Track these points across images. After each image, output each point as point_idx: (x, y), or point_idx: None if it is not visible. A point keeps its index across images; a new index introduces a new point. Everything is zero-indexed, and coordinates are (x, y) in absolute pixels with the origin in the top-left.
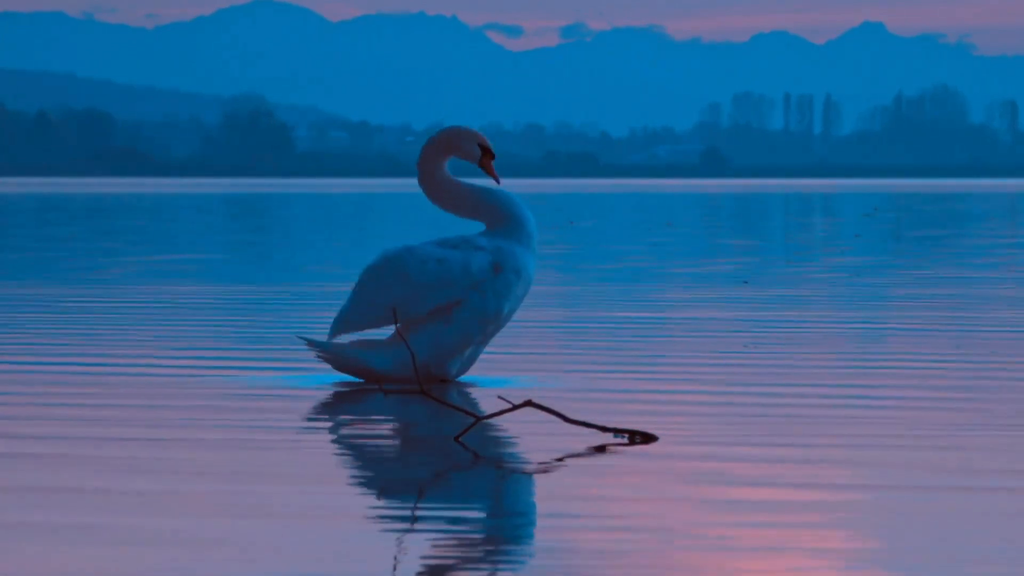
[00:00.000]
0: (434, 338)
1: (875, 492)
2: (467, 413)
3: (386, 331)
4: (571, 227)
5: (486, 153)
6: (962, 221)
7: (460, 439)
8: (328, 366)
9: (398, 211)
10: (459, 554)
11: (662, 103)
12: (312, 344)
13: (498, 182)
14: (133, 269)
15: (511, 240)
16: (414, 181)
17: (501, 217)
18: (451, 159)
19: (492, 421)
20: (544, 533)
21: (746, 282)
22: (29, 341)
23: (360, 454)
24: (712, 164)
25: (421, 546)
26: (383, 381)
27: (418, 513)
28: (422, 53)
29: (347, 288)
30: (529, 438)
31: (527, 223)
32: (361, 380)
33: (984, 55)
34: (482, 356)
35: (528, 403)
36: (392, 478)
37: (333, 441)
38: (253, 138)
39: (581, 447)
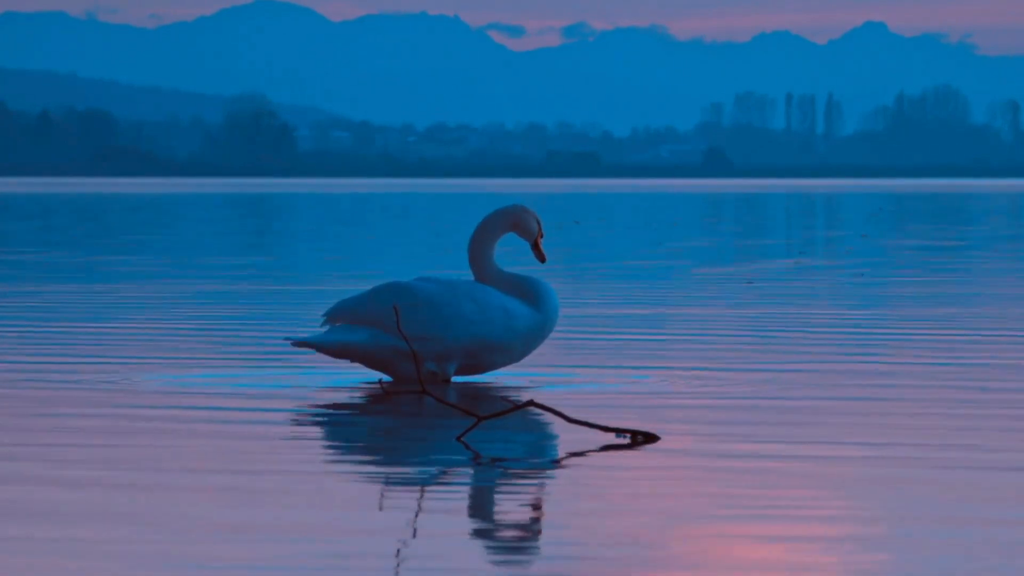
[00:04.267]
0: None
1: (878, 493)
2: (469, 413)
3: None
4: (576, 226)
5: (539, 232)
6: (966, 221)
7: (462, 439)
8: (323, 358)
9: (398, 211)
10: (461, 553)
11: (664, 103)
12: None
13: (543, 261)
14: (129, 269)
15: (527, 306)
16: (415, 181)
17: (534, 298)
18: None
19: (494, 421)
20: (546, 533)
21: (751, 282)
22: (15, 344)
23: (362, 454)
24: (714, 164)
25: (423, 545)
26: (356, 358)
27: (420, 512)
28: (424, 53)
29: (343, 287)
30: (531, 438)
31: (550, 306)
32: (358, 369)
33: (986, 55)
34: None
35: (530, 403)
36: (394, 478)
37: (334, 440)
38: (255, 138)
39: (583, 447)
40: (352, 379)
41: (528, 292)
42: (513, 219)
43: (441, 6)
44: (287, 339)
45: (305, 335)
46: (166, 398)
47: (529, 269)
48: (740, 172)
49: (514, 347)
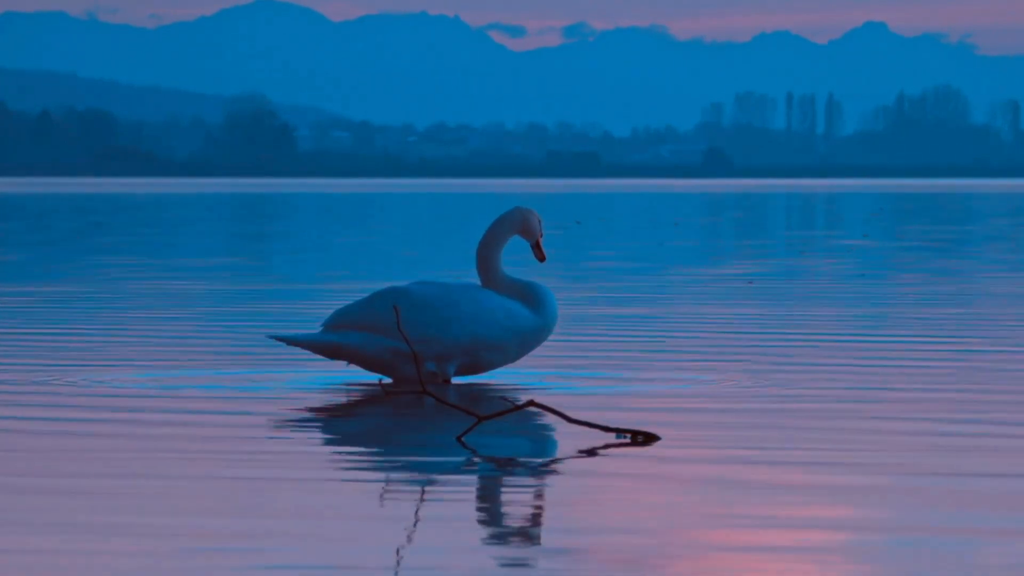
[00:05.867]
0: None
1: (878, 495)
2: (469, 413)
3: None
4: (576, 227)
5: (540, 232)
6: (966, 221)
7: (462, 439)
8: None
9: (398, 211)
10: (461, 554)
11: (664, 103)
12: (284, 340)
13: (543, 261)
14: (129, 270)
15: (526, 309)
16: (415, 181)
17: (534, 302)
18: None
19: (494, 421)
20: (546, 533)
21: (751, 282)
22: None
23: (362, 453)
24: (714, 164)
25: (423, 545)
26: (350, 359)
27: (420, 513)
28: (424, 53)
29: (342, 287)
30: (531, 438)
31: (549, 311)
32: (364, 372)
33: (986, 55)
34: None
35: (530, 403)
36: (394, 477)
37: (335, 440)
38: (256, 138)
39: (583, 447)
40: (351, 379)
41: (529, 296)
42: (519, 222)
43: (441, 6)
44: (281, 338)
45: (301, 334)
46: (158, 400)
47: (528, 269)
48: (740, 172)
49: (511, 346)
